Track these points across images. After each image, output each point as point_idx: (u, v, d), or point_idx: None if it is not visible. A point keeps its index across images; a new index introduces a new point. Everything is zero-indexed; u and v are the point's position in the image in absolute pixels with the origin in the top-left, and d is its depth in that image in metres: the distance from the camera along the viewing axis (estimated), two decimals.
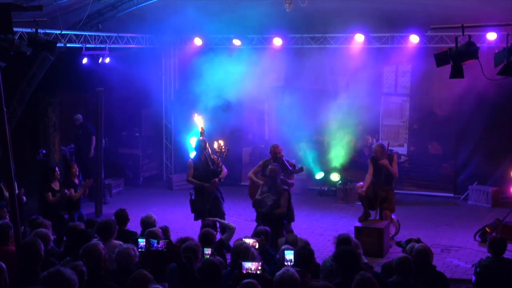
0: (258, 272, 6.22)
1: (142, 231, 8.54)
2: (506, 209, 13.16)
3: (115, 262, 6.51)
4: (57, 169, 12.27)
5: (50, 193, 11.77)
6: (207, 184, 11.16)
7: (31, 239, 6.34)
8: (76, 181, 12.50)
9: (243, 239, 7.60)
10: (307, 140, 16.27)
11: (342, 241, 7.57)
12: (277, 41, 15.23)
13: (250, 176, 11.45)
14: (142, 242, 7.16)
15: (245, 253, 6.84)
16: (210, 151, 11.48)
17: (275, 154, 11.25)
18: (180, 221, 12.63)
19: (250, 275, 6.12)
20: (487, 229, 11.91)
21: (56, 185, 11.99)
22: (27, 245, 6.13)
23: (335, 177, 15.77)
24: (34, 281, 5.20)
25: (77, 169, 12.70)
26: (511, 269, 7.77)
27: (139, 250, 6.87)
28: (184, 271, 6.20)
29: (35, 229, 7.58)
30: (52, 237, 7.68)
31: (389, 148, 12.15)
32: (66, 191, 11.77)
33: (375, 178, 11.85)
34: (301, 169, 11.58)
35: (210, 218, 10.22)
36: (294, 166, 11.46)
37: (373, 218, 11.84)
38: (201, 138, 11.52)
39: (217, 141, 11.38)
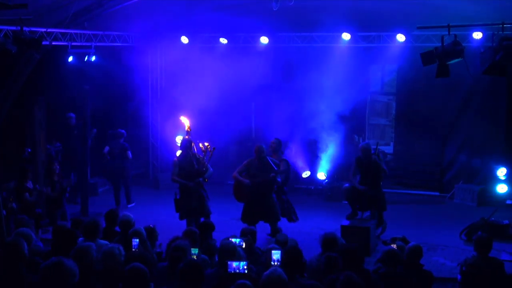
0: (244, 272, 6.21)
1: (121, 232, 8.44)
2: (491, 207, 13.23)
3: (101, 262, 6.47)
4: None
5: (27, 193, 11.74)
6: (191, 184, 11.14)
7: (14, 239, 6.28)
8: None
9: (230, 239, 7.59)
10: (294, 139, 16.26)
11: (328, 240, 7.57)
12: (264, 40, 15.22)
13: (235, 176, 11.44)
14: (135, 242, 7.15)
15: (232, 253, 6.83)
16: (196, 150, 11.46)
17: (259, 154, 11.25)
18: (167, 220, 12.57)
19: (235, 274, 6.11)
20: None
21: (30, 184, 11.99)
22: (9, 245, 6.07)
23: (321, 176, 15.78)
24: (18, 281, 5.15)
25: (58, 167, 12.60)
26: (496, 268, 7.80)
27: (133, 250, 6.84)
28: None
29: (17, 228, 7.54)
30: (34, 236, 7.64)
31: (378, 147, 12.17)
32: (38, 187, 11.81)
33: (363, 179, 11.89)
34: (286, 171, 11.64)
35: None
36: (279, 165, 11.46)
37: (360, 217, 11.88)
38: (186, 137, 11.49)
39: (202, 144, 11.38)
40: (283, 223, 11.73)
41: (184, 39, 15.84)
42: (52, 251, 7.56)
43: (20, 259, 5.97)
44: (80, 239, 7.50)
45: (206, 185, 11.54)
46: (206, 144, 11.31)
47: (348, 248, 6.67)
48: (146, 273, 5.54)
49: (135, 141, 17.41)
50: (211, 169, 11.38)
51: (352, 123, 16.19)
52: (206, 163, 11.24)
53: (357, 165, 12.11)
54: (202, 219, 11.22)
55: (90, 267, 6.00)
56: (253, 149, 11.56)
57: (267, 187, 11.28)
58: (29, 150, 14.27)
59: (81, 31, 14.07)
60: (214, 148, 11.27)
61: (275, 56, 16.30)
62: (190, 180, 11.16)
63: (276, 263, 6.71)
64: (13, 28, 11.11)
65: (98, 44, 14.71)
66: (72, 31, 13.78)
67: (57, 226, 8.31)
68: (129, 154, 14.87)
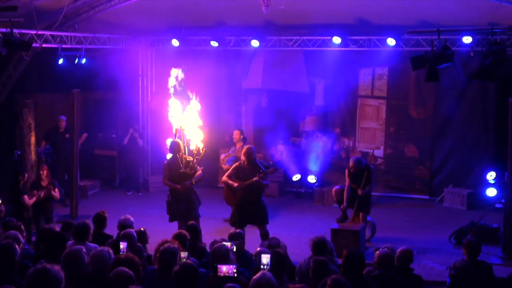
0: (234, 275, 6.20)
1: (118, 233, 8.48)
2: (481, 211, 13.28)
3: (90, 266, 6.44)
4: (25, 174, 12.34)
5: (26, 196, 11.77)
6: (178, 186, 11.12)
7: (6, 242, 6.24)
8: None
9: (223, 242, 7.57)
10: (284, 142, 16.28)
11: (318, 244, 7.57)
12: (255, 43, 15.22)
13: (224, 180, 11.39)
14: (122, 245, 7.12)
15: (225, 256, 6.81)
16: (187, 152, 11.43)
17: (248, 156, 11.24)
18: (157, 223, 12.54)
19: (225, 278, 6.10)
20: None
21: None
22: (2, 249, 6.02)
23: (311, 179, 15.79)
24: (9, 286, 5.12)
25: (47, 171, 12.54)
26: (485, 271, 7.83)
27: (121, 253, 6.81)
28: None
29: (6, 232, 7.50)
30: (23, 239, 7.60)
31: (372, 154, 12.22)
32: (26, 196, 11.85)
33: (354, 183, 11.90)
34: (274, 170, 11.59)
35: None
36: (268, 168, 11.45)
37: (350, 221, 11.90)
38: (175, 139, 11.45)
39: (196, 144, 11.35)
40: (270, 226, 11.72)
41: (175, 42, 15.82)
42: (41, 254, 7.52)
43: (13, 263, 5.93)
44: (70, 242, 7.47)
45: (197, 188, 11.52)
46: (197, 145, 11.28)
47: (351, 253, 6.61)
48: (131, 277, 5.52)
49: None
50: (201, 171, 11.33)
51: (343, 127, 16.24)
52: (195, 165, 11.22)
53: (348, 173, 12.11)
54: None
55: (81, 271, 5.96)
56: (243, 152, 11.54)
57: (256, 190, 11.26)
58: (19, 152, 14.23)
59: (71, 34, 14.05)
60: (204, 150, 11.24)
61: (265, 59, 16.32)
62: (177, 182, 11.15)
63: (265, 267, 6.69)
64: (3, 30, 11.07)
65: (88, 46, 14.69)
66: (63, 34, 13.76)
67: (44, 229, 8.25)
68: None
